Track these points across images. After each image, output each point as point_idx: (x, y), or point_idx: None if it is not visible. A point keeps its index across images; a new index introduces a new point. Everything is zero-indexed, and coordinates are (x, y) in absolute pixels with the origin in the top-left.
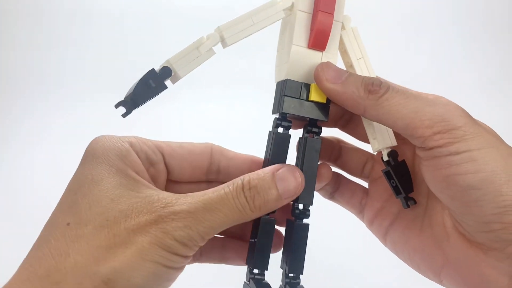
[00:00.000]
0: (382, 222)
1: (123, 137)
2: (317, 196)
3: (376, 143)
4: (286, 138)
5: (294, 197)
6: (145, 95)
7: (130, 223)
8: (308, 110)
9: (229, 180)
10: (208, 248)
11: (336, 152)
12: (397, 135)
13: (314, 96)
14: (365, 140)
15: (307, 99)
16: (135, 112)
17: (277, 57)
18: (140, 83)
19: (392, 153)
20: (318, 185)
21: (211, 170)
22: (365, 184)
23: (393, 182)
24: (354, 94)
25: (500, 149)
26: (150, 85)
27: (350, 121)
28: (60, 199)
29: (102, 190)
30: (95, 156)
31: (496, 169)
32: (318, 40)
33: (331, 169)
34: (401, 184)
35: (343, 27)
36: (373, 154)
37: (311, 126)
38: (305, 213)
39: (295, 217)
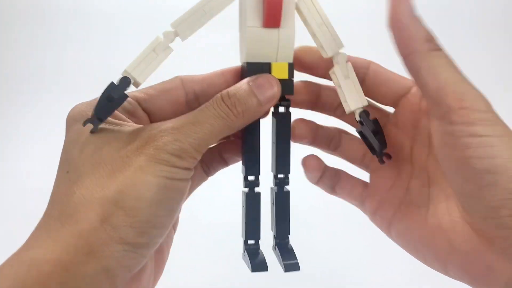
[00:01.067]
0: (385, 213)
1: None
2: (319, 195)
3: (347, 105)
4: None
5: (274, 102)
6: (108, 109)
7: (124, 151)
8: None
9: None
10: (209, 160)
11: (336, 140)
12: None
13: (276, 74)
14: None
15: None
16: None
17: (239, 38)
18: (101, 98)
19: (364, 112)
20: (297, 141)
21: (189, 99)
22: (366, 176)
23: (367, 142)
24: (415, 34)
25: None
26: (112, 98)
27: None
28: (59, 159)
29: (90, 138)
30: (76, 119)
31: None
32: (271, 18)
33: (306, 125)
34: (373, 141)
35: None
36: None
37: (280, 100)
38: (285, 180)
39: (276, 185)
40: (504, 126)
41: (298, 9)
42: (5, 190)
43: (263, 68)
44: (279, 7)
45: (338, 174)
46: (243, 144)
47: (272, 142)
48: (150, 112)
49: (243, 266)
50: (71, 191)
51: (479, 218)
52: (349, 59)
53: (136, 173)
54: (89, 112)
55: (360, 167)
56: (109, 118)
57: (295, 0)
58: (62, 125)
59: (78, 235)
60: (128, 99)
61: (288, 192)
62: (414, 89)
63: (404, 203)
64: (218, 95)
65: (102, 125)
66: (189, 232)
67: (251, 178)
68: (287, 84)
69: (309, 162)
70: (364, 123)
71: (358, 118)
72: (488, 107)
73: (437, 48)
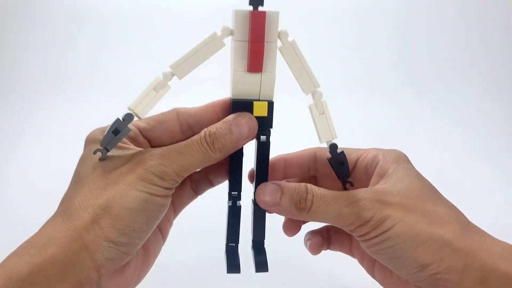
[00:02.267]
0: (368, 265)
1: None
2: None
3: (319, 137)
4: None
5: (249, 139)
6: (114, 141)
7: (120, 170)
8: None
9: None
10: (198, 181)
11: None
12: None
13: (257, 112)
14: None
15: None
16: None
17: (230, 74)
18: (108, 132)
19: (332, 145)
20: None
21: (184, 129)
22: None
23: (335, 170)
24: (290, 214)
25: (408, 218)
26: (117, 131)
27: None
28: (74, 172)
29: (97, 157)
30: (91, 141)
31: (406, 239)
32: (254, 66)
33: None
34: (339, 171)
35: (282, 43)
36: None
37: (259, 134)
38: None
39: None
40: (393, 212)
41: (281, 52)
42: (4, 190)
43: (246, 106)
44: (261, 56)
45: (329, 234)
46: (229, 165)
47: (254, 163)
48: (150, 139)
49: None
50: (74, 196)
51: (409, 282)
52: (296, 155)
53: (125, 187)
54: (101, 137)
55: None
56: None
57: (278, 46)
58: (62, 126)
59: (73, 229)
60: (132, 128)
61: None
62: (362, 156)
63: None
64: (202, 132)
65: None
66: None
67: (234, 193)
68: (266, 120)
69: (314, 246)
70: (333, 155)
71: (328, 150)
72: (371, 212)
73: (309, 206)
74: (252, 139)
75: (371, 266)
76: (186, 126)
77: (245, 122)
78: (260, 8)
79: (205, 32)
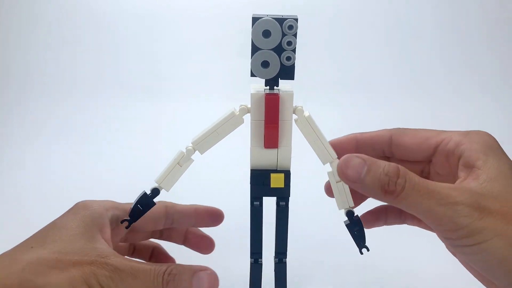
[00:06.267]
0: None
1: (102, 202)
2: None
3: (337, 205)
4: (259, 211)
5: None
6: (140, 213)
7: (74, 258)
8: (273, 192)
9: (182, 227)
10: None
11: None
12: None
13: (274, 184)
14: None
15: (269, 185)
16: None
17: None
18: (136, 205)
19: (348, 212)
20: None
21: (167, 223)
22: None
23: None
24: (374, 195)
25: (507, 233)
26: (144, 205)
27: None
28: (37, 232)
29: (68, 234)
30: (75, 212)
31: (503, 259)
32: (270, 144)
33: None
34: (355, 237)
35: (298, 117)
36: None
37: (279, 200)
38: (283, 255)
39: (276, 257)
40: (490, 225)
41: (297, 125)
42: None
43: (263, 176)
44: (276, 136)
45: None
46: (251, 224)
47: (275, 225)
48: (134, 225)
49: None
50: (21, 261)
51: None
52: (371, 136)
53: (66, 280)
54: (88, 213)
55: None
56: (94, 228)
57: (294, 118)
58: (62, 126)
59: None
60: (124, 213)
61: (285, 263)
62: (444, 141)
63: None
64: (165, 266)
65: (85, 231)
66: None
67: (256, 252)
68: (283, 191)
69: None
70: (349, 221)
71: (345, 216)
72: (468, 220)
73: (399, 191)
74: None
75: (451, 250)
76: (170, 221)
77: (206, 279)
78: (275, 88)
79: (210, 32)
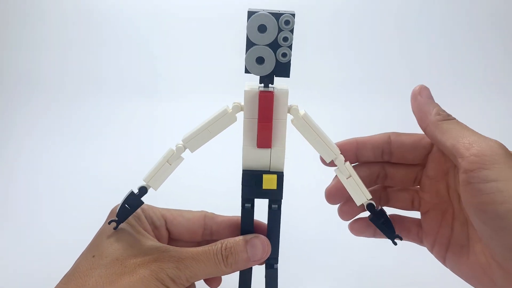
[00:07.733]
0: (439, 251)
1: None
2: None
3: (356, 201)
4: (251, 213)
5: (261, 261)
6: (128, 212)
7: (137, 260)
8: (264, 195)
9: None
10: None
11: (384, 197)
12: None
13: (266, 185)
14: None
15: (261, 187)
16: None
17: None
18: (123, 205)
19: (369, 205)
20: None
21: (205, 234)
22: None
23: (378, 227)
24: (428, 110)
25: None
26: (131, 204)
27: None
28: (91, 241)
29: (121, 237)
30: (113, 214)
31: None
32: (262, 144)
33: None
34: (382, 228)
35: (294, 117)
36: (418, 190)
37: (271, 203)
38: (274, 260)
39: (267, 264)
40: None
41: (294, 125)
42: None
43: (255, 177)
44: (269, 135)
45: (393, 221)
46: (241, 230)
47: (267, 228)
48: (171, 232)
49: None
50: (90, 274)
51: (501, 258)
52: (370, 137)
53: (138, 281)
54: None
55: (411, 210)
56: (140, 228)
57: (290, 119)
58: (62, 126)
59: None
60: (159, 217)
61: (276, 269)
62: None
63: (451, 242)
64: (219, 243)
65: (134, 232)
66: None
67: None
68: (276, 193)
69: (356, 230)
70: (372, 214)
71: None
72: (497, 152)
73: (447, 118)
74: (264, 261)
75: (443, 252)
76: (208, 232)
77: (260, 245)
78: (270, 86)
79: (209, 32)
